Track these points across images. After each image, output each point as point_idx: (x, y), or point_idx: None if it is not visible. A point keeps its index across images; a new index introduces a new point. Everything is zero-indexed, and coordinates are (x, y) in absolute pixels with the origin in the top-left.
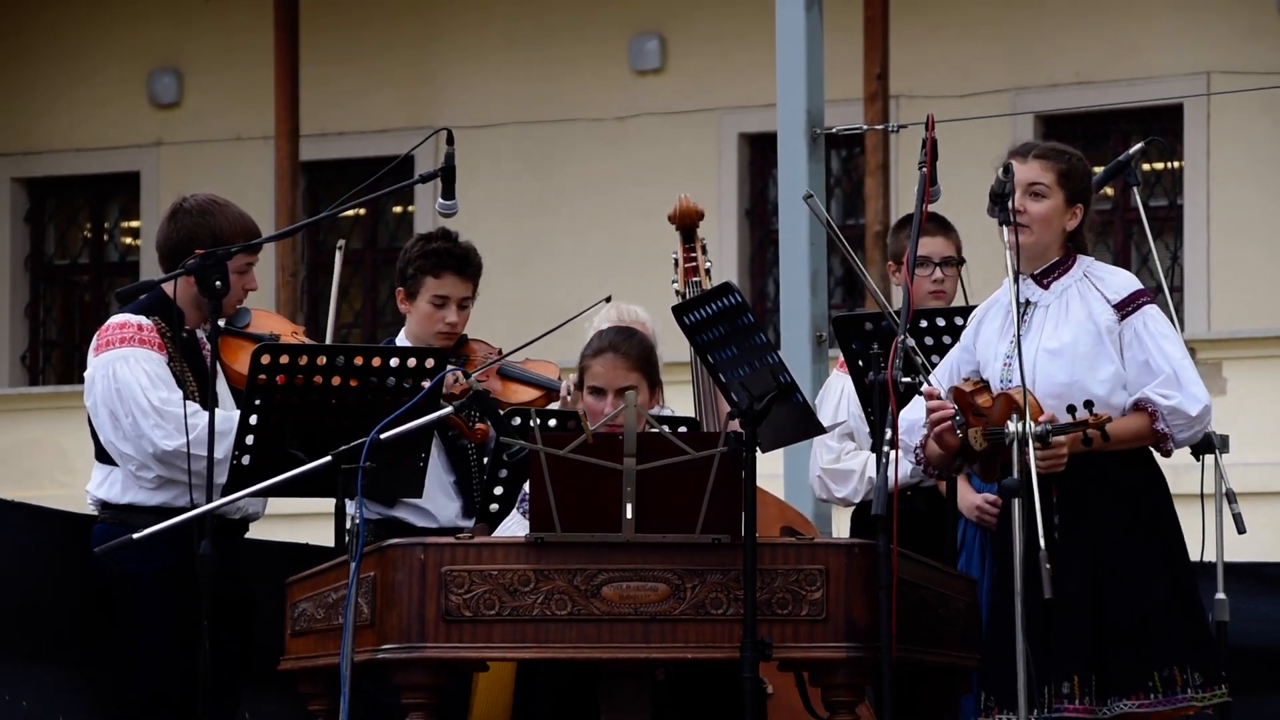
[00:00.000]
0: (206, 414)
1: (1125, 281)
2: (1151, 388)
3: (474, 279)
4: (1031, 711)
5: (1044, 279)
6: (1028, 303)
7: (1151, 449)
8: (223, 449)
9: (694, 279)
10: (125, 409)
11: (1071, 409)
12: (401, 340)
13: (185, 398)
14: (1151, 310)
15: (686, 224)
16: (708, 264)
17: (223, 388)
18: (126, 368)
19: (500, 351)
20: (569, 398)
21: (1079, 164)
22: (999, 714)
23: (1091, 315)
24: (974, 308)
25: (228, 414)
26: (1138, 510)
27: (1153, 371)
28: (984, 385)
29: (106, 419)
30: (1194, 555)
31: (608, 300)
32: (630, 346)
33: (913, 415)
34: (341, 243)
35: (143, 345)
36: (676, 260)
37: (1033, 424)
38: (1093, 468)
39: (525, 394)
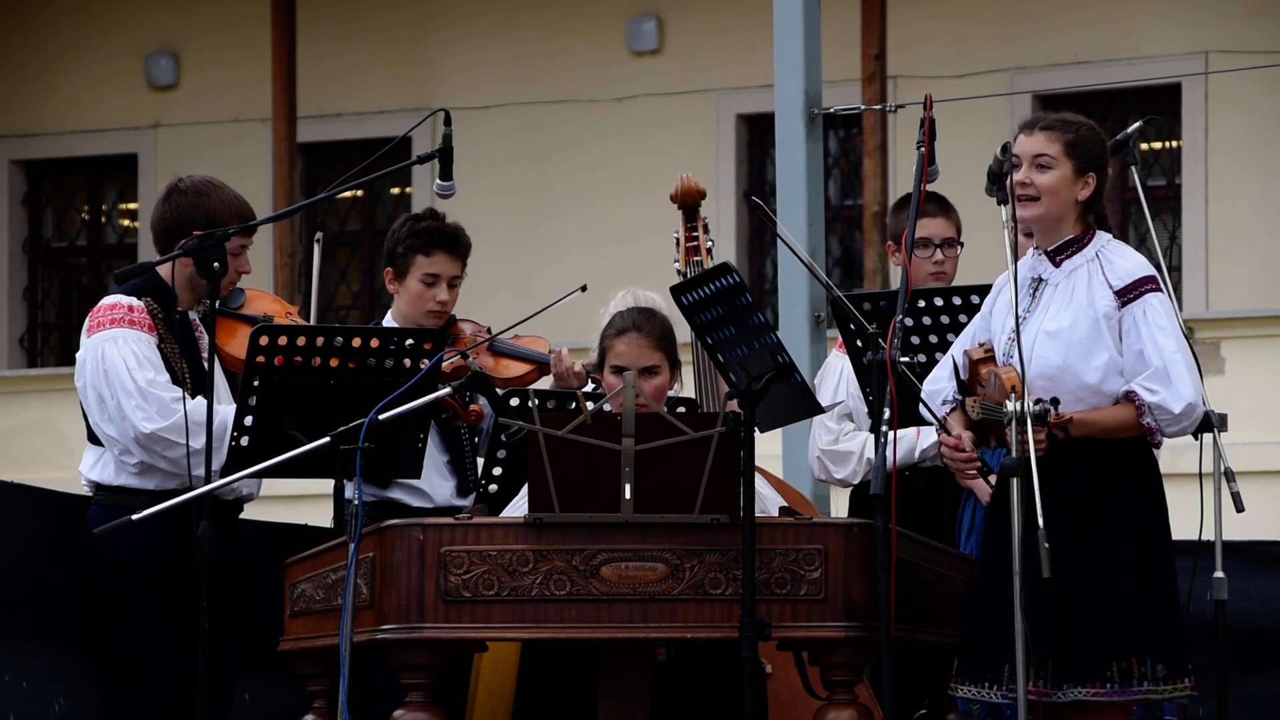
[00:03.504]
0: (195, 404)
1: (1134, 267)
2: (1139, 381)
3: (463, 258)
4: (994, 688)
5: (1057, 256)
6: (1040, 279)
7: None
8: (213, 442)
9: (695, 258)
10: (111, 390)
11: (1039, 402)
12: (389, 321)
13: (178, 381)
14: (1153, 299)
15: (688, 203)
16: (709, 243)
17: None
18: (115, 348)
19: (489, 330)
20: (560, 368)
21: (1088, 133)
22: (960, 685)
23: (1093, 300)
24: (974, 287)
25: (222, 409)
26: (1119, 497)
27: (1145, 362)
28: (991, 355)
29: (94, 401)
30: (1192, 534)
31: (583, 289)
32: (652, 326)
33: (932, 388)
34: (319, 235)
35: (132, 326)
36: (678, 239)
37: (1031, 403)
38: (1079, 453)
39: (517, 369)
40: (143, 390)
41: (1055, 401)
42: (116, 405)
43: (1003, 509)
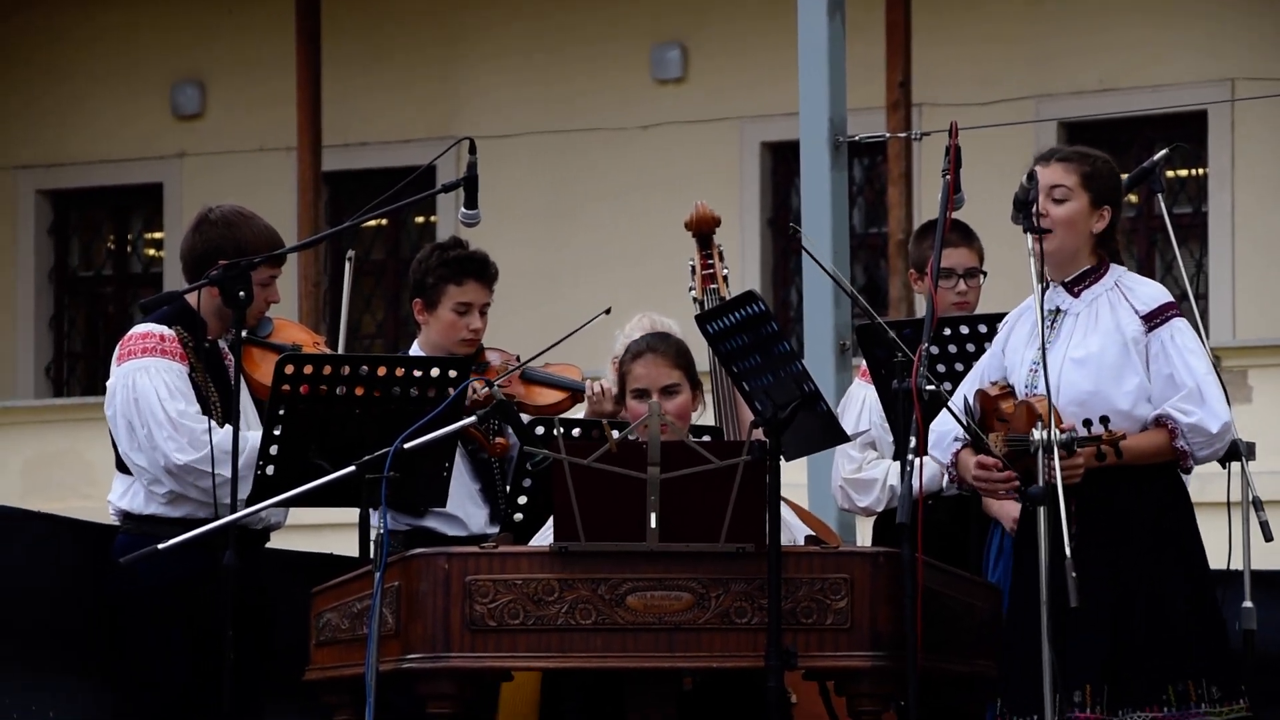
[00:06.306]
0: (222, 432)
1: (1155, 293)
2: (1173, 403)
3: (492, 284)
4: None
5: (1074, 287)
6: (1057, 310)
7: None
8: (241, 469)
9: (711, 286)
10: (142, 420)
11: (1088, 423)
12: (415, 351)
13: (208, 410)
14: (1179, 323)
15: (703, 230)
16: (725, 270)
17: (245, 398)
18: (146, 378)
19: (518, 358)
20: (596, 394)
21: (1104, 166)
22: (1011, 718)
23: (1119, 326)
24: (999, 315)
25: (249, 435)
26: (1159, 522)
27: (1176, 386)
28: (1009, 390)
29: (124, 430)
30: (1220, 563)
31: (607, 312)
32: (668, 346)
33: (942, 428)
34: (351, 253)
35: (164, 355)
36: (694, 267)
37: (1058, 432)
38: (1114, 480)
39: (550, 396)
40: (174, 421)
41: (1105, 420)
42: (147, 435)
43: (1031, 538)
